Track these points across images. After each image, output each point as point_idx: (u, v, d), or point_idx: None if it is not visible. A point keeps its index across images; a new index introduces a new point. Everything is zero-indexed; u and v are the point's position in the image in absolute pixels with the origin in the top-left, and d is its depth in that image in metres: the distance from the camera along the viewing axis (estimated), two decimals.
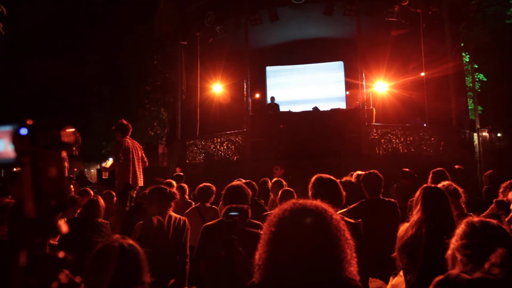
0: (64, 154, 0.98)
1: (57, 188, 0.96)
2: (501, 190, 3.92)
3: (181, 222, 3.58)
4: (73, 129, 0.97)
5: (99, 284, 1.58)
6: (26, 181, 0.91)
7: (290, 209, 1.49)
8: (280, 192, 4.48)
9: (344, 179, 4.92)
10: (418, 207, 2.50)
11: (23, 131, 0.90)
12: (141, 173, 6.33)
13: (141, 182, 6.26)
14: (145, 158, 6.44)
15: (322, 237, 1.42)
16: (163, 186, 3.81)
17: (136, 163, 6.21)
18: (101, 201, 4.17)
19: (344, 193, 2.75)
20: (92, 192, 5.61)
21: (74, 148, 1.00)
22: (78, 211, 4.67)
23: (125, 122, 6.20)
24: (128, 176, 6.05)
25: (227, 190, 3.06)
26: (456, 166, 6.36)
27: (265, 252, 1.47)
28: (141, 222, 3.48)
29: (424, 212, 2.45)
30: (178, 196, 4.07)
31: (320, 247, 1.40)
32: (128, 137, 6.21)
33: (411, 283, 2.37)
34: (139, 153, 6.32)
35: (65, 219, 1.03)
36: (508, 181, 3.88)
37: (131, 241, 1.72)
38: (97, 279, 1.59)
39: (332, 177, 2.80)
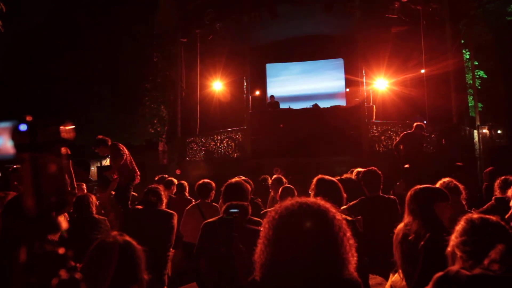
0: (64, 150, 0.97)
1: (57, 185, 0.95)
2: (497, 184, 3.85)
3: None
4: (72, 126, 0.97)
5: (100, 282, 1.56)
6: (26, 178, 0.91)
7: (292, 207, 1.49)
8: (280, 189, 4.48)
9: (344, 176, 4.92)
10: (410, 208, 2.49)
11: (23, 127, 0.90)
12: None
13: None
14: None
15: (323, 236, 1.42)
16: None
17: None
18: (92, 197, 4.17)
19: (345, 195, 2.78)
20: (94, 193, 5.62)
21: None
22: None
23: (100, 136, 6.26)
24: (135, 173, 6.22)
25: (226, 187, 3.04)
26: (457, 163, 6.36)
27: (266, 249, 1.47)
28: None
29: (419, 212, 2.43)
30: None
31: (321, 245, 1.41)
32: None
33: (412, 284, 2.36)
34: None
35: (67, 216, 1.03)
36: (503, 177, 3.83)
37: (127, 238, 1.69)
38: (97, 277, 1.57)
39: (334, 179, 2.85)
